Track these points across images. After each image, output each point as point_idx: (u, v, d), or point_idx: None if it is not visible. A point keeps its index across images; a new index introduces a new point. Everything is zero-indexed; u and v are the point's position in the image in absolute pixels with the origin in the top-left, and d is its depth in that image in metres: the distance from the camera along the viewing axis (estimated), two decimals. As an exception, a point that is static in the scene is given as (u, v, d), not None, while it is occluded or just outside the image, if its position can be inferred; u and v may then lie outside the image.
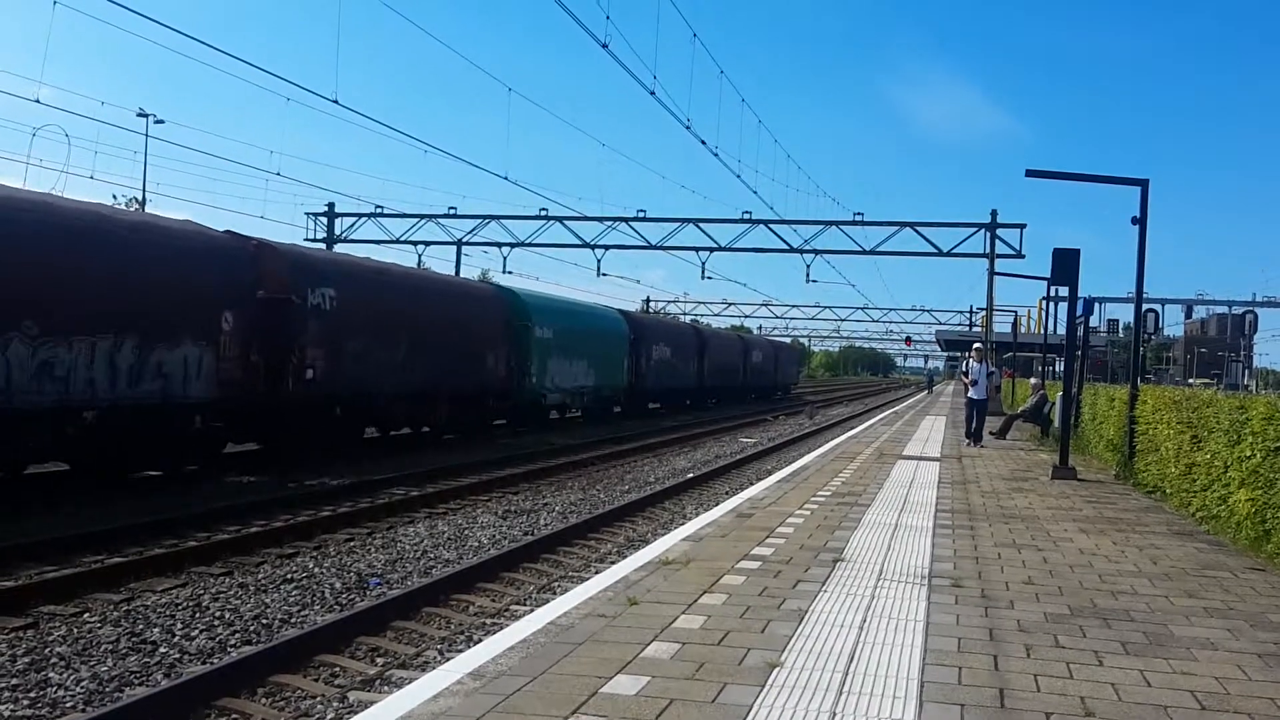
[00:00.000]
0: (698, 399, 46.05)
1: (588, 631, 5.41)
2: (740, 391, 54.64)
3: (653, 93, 24.32)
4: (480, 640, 6.21)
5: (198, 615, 8.11)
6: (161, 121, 42.90)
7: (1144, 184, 14.48)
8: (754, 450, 24.71)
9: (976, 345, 23.09)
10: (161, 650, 7.19)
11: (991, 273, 39.40)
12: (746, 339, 61.68)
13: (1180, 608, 6.49)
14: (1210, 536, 9.53)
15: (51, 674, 6.59)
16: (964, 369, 22.54)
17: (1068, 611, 6.24)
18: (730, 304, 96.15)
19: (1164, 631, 5.84)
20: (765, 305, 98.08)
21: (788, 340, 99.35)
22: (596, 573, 8.54)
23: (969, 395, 20.73)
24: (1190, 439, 11.03)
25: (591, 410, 32.44)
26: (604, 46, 20.70)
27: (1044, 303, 36.72)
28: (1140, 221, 14.44)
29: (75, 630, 7.58)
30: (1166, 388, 17.37)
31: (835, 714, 4.26)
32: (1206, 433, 10.41)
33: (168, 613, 8.14)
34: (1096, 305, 43.29)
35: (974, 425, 20.26)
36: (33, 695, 6.19)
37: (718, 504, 11.78)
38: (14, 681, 6.39)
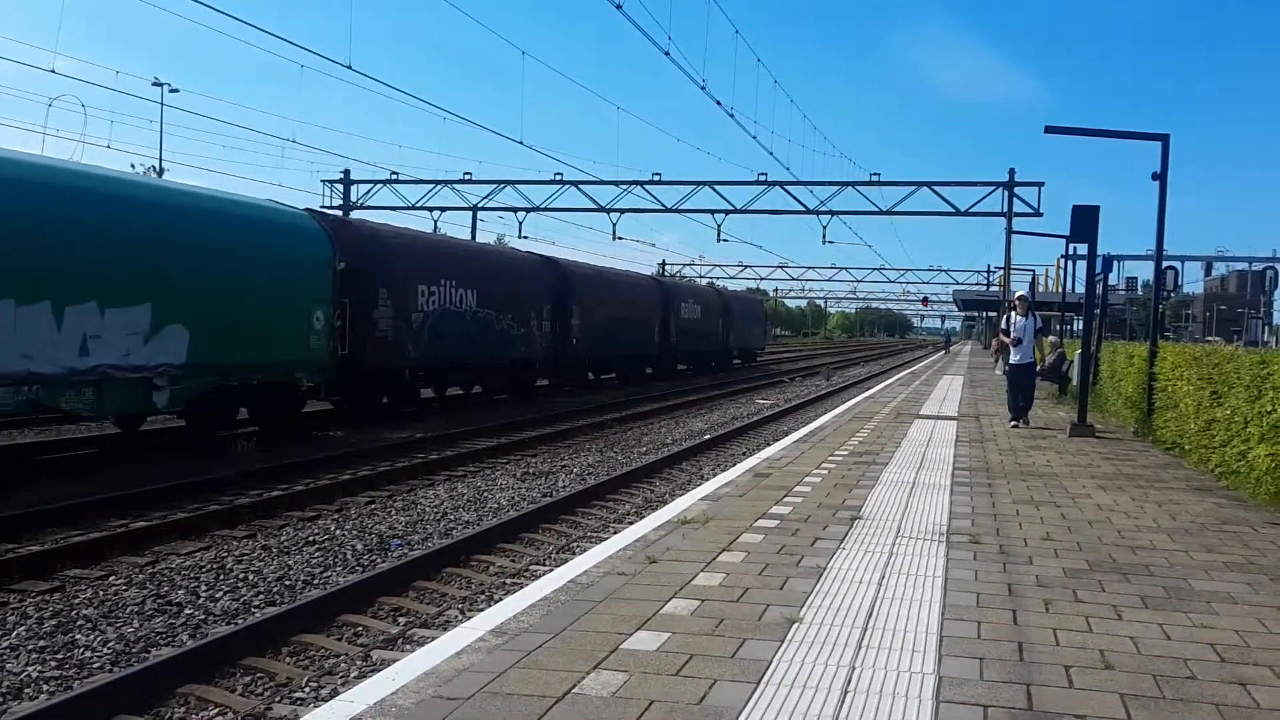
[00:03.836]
0: (564, 375, 29.68)
1: (608, 589, 5.44)
2: (657, 361, 37.49)
3: (667, 53, 24.26)
4: (501, 599, 6.25)
5: (221, 577, 8.21)
6: (176, 90, 42.98)
7: (1164, 139, 14.30)
8: (770, 412, 24.71)
9: (1020, 294, 17.77)
10: (187, 611, 7.28)
11: (1009, 231, 39.18)
12: (667, 284, 42.32)
13: (1199, 562, 6.48)
14: (1230, 492, 9.50)
15: (79, 636, 6.68)
16: (1004, 324, 16.64)
17: (1086, 566, 6.24)
18: (746, 266, 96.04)
19: (1183, 586, 5.84)
20: (781, 267, 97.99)
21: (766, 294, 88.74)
22: (615, 532, 8.58)
23: (1011, 361, 16.05)
24: (1210, 395, 10.97)
25: (206, 412, 15.35)
26: (618, 8, 20.57)
27: (1062, 261, 36.47)
28: (1160, 177, 14.27)
29: (101, 593, 7.67)
30: (1186, 344, 17.26)
31: (855, 668, 4.28)
32: (1227, 388, 10.35)
33: (192, 575, 8.24)
34: (1115, 263, 42.93)
35: (1021, 397, 15.76)
36: (60, 657, 6.28)
37: (735, 464, 11.80)
38: (42, 644, 6.49)
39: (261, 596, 7.74)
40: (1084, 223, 14.92)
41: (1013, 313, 16.11)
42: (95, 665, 6.18)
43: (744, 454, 15.61)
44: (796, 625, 4.85)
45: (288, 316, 16.55)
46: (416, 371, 21.46)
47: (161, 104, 43.68)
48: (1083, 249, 18.94)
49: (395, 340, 20.13)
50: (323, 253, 17.49)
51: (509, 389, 26.19)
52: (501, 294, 24.55)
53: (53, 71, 57.31)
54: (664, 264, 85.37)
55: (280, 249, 16.59)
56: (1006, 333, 16.02)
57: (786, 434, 16.05)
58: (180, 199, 15.14)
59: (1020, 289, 44.69)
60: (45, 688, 5.80)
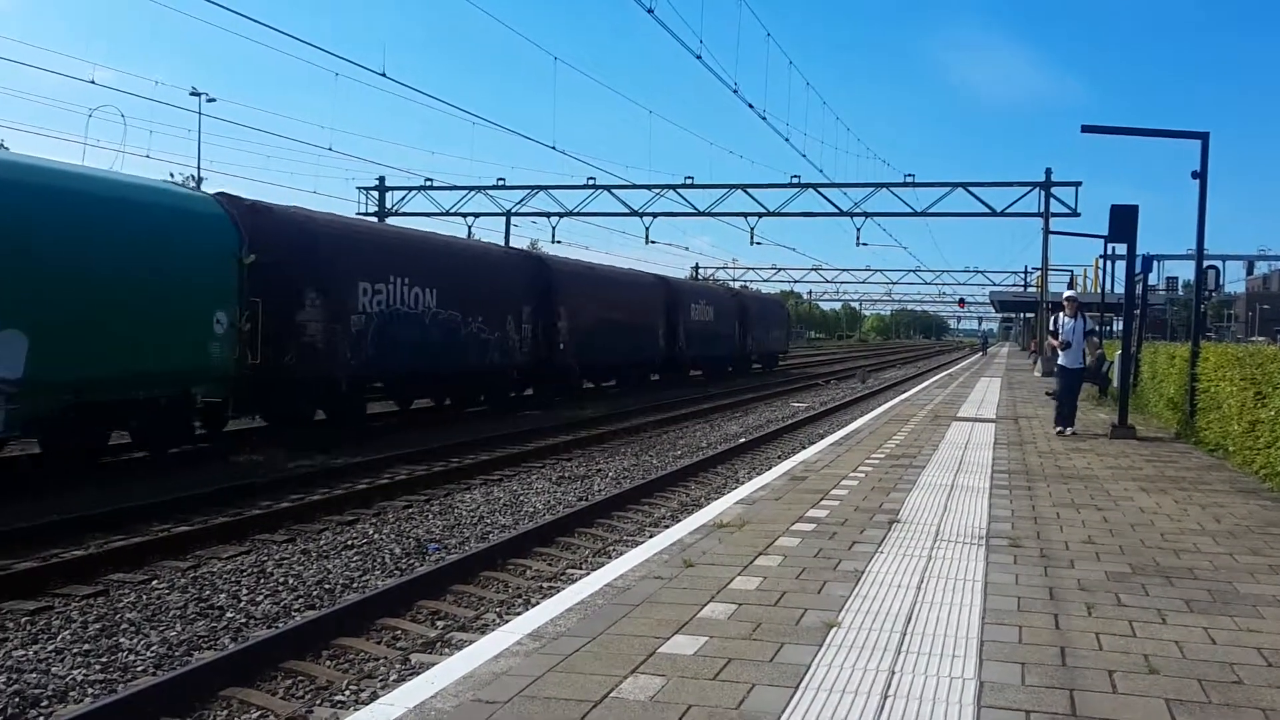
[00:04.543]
0: (549, 383, 26.18)
1: (644, 593, 5.44)
2: (664, 367, 34.89)
3: (699, 57, 24.23)
4: (538, 603, 6.28)
5: (262, 581, 8.28)
6: (214, 100, 43.75)
7: (1204, 137, 14.15)
8: (805, 415, 24.62)
9: (1069, 294, 16.55)
10: (228, 615, 7.36)
11: (1046, 232, 38.77)
12: (674, 282, 37.68)
13: (1245, 565, 6.39)
14: (1275, 494, 9.35)
15: (122, 639, 6.76)
16: (1052, 326, 15.74)
17: (1129, 570, 6.16)
18: (779, 269, 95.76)
19: (1229, 589, 5.75)
20: (815, 269, 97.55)
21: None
22: (651, 536, 8.58)
23: (1059, 363, 15.11)
24: (1254, 396, 10.80)
25: None
26: (650, 12, 20.60)
27: (1101, 261, 35.93)
28: (1200, 176, 14.12)
29: (144, 597, 7.77)
30: (1228, 344, 17.01)
31: (894, 672, 4.26)
32: (1271, 389, 10.19)
33: (233, 579, 8.32)
34: (1155, 263, 42.33)
35: (1068, 403, 14.99)
36: (104, 660, 6.36)
37: (770, 468, 11.76)
38: (86, 647, 6.58)
39: (301, 600, 7.81)
40: (1123, 222, 14.78)
41: (1061, 314, 15.21)
42: (139, 668, 6.25)
43: (780, 457, 15.55)
44: (835, 629, 4.82)
45: (178, 319, 13.49)
46: (361, 383, 18.57)
47: (199, 114, 44.17)
48: (1121, 249, 18.73)
49: (327, 347, 17.05)
50: (226, 243, 14.43)
51: (487, 400, 23.56)
52: (469, 293, 21.42)
53: (92, 82, 58.36)
54: (697, 267, 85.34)
55: (168, 238, 13.40)
56: (1055, 334, 15.14)
57: (822, 437, 15.99)
58: (14, 173, 11.84)
59: (1057, 290, 44.23)
60: (90, 691, 5.88)
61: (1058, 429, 14.72)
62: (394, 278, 18.93)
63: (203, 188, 31.24)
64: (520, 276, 24.47)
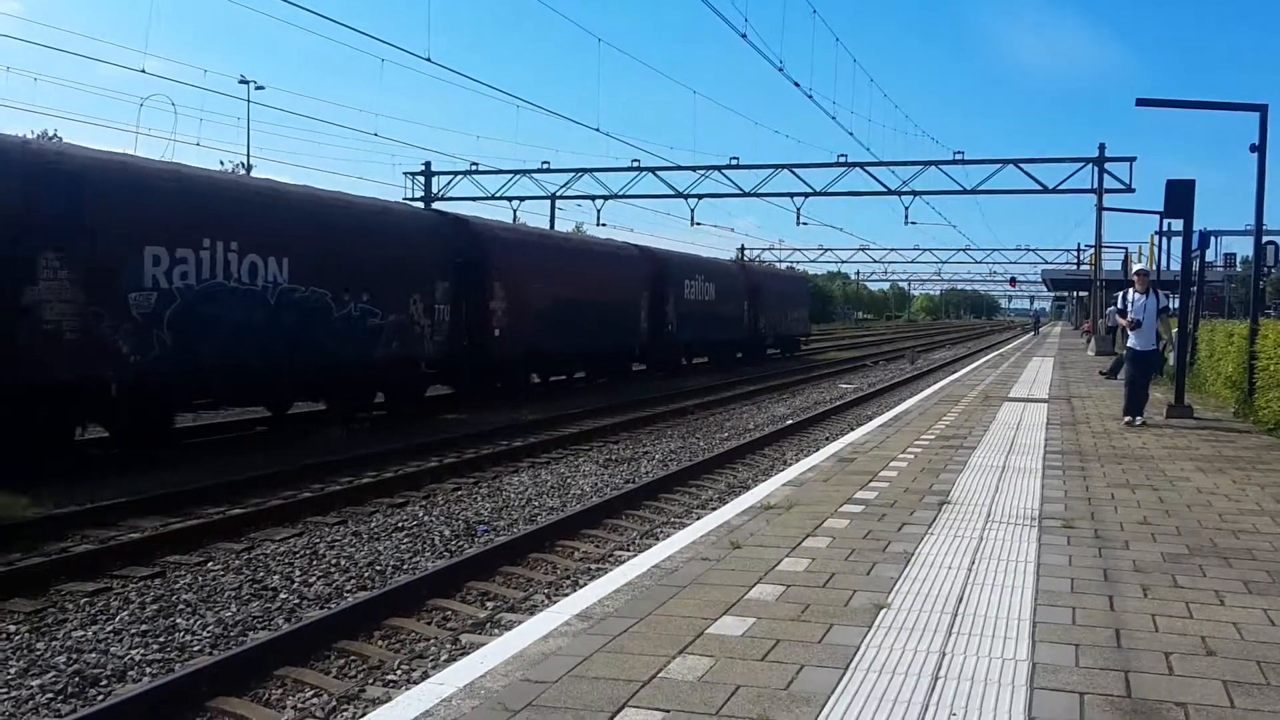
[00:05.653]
0: (478, 379, 20.90)
1: (692, 575, 5.44)
2: (647, 355, 29.71)
3: (744, 35, 23.98)
4: (586, 584, 6.29)
5: (314, 562, 8.39)
6: (262, 88, 44.37)
7: (1263, 109, 13.81)
8: (854, 396, 24.46)
9: (1139, 268, 15.26)
10: (282, 596, 7.47)
11: (1100, 208, 38.05)
12: (662, 255, 31.64)
13: (1307, 546, 6.24)
14: (1338, 474, 9.14)
15: (179, 620, 6.89)
16: (1119, 304, 14.02)
17: (1186, 551, 6.06)
18: (826, 249, 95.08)
19: (1289, 570, 5.63)
20: (863, 249, 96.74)
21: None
22: (699, 518, 8.57)
23: (1129, 345, 13.71)
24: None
25: None
26: (693, -10, 20.44)
27: (1156, 237, 35.20)
28: (1259, 149, 13.80)
29: (200, 578, 7.90)
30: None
31: (945, 654, 4.21)
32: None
33: (286, 560, 8.44)
34: (1212, 238, 41.41)
35: (1138, 389, 13.34)
36: (162, 640, 6.48)
37: (818, 449, 11.70)
38: (144, 628, 6.71)
39: (353, 581, 7.90)
40: (1179, 197, 14.47)
41: (1130, 289, 13.69)
42: (195, 648, 6.37)
43: (827, 439, 15.47)
44: (884, 611, 4.79)
45: None
46: (154, 386, 13.30)
47: (248, 101, 44.90)
48: (1177, 225, 18.37)
49: (84, 338, 12.16)
50: None
51: (388, 403, 18.58)
52: (345, 264, 16.44)
53: (143, 72, 59.41)
54: (743, 249, 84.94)
55: None
56: (1123, 313, 13.55)
57: (870, 419, 15.87)
58: None
59: (1111, 267, 43.44)
60: (148, 670, 6.00)
61: (1126, 419, 13.08)
62: (211, 241, 13.92)
63: (252, 173, 31.49)
64: (431, 244, 19.17)
